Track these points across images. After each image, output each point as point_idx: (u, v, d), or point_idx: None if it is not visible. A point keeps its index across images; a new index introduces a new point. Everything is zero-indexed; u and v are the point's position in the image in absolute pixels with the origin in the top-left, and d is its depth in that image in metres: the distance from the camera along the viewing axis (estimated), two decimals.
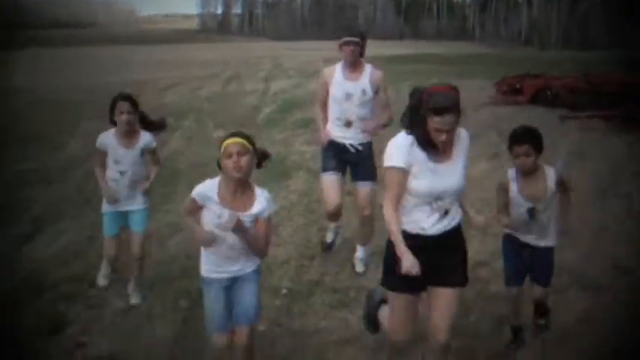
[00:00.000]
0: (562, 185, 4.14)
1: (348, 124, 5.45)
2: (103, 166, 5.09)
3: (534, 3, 64.62)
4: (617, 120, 12.18)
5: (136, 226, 5.16)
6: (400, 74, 18.83)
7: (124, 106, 4.92)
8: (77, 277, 5.60)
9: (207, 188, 3.62)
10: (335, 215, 5.77)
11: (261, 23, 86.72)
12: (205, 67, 27.61)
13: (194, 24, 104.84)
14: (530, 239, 4.20)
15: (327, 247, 6.04)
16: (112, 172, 5.07)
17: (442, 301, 3.57)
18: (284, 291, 5.30)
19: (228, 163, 3.50)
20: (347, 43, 5.30)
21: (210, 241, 3.59)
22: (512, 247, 4.28)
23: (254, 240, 3.65)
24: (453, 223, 3.54)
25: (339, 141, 5.57)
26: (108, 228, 5.21)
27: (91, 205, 7.33)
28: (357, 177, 5.66)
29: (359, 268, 5.75)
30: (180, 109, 15.52)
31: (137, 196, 5.14)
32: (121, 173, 5.06)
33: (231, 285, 3.75)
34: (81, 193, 8.07)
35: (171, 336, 4.62)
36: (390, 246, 3.51)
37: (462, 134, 3.51)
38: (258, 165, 3.68)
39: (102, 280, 5.44)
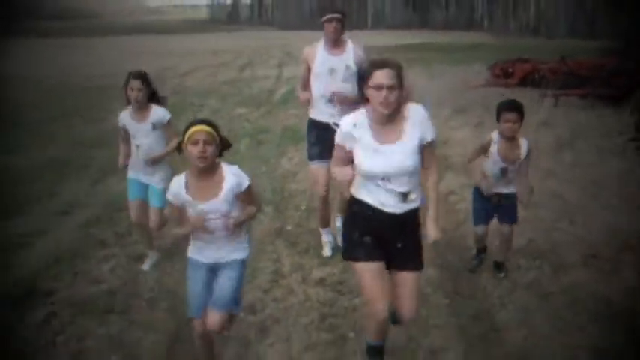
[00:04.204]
0: (527, 160, 4.83)
1: (332, 99, 5.32)
2: (125, 141, 5.38)
3: None
4: (591, 97, 13.89)
5: (153, 202, 5.37)
6: (404, 61, 20.48)
7: (135, 83, 5.11)
8: None
9: (176, 187, 3.56)
10: (324, 200, 5.67)
11: (270, 13, 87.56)
12: (218, 56, 29.22)
13: (202, 14, 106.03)
14: (499, 190, 4.95)
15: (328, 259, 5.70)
16: (132, 146, 5.32)
17: (405, 287, 3.55)
18: (303, 207, 7.03)
19: (193, 151, 3.40)
20: (330, 20, 5.20)
21: (201, 220, 3.54)
22: (481, 194, 5.05)
23: (246, 218, 3.70)
24: (414, 206, 3.50)
25: (323, 120, 5.43)
26: (130, 193, 5.45)
27: None
28: None
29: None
30: (202, 91, 17.24)
31: (155, 173, 5.33)
32: (137, 147, 5.26)
33: (213, 271, 3.71)
34: None
35: None
36: (347, 221, 3.68)
37: (418, 111, 3.43)
38: (220, 154, 3.57)
39: (146, 266, 5.61)
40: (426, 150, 3.44)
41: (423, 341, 4.21)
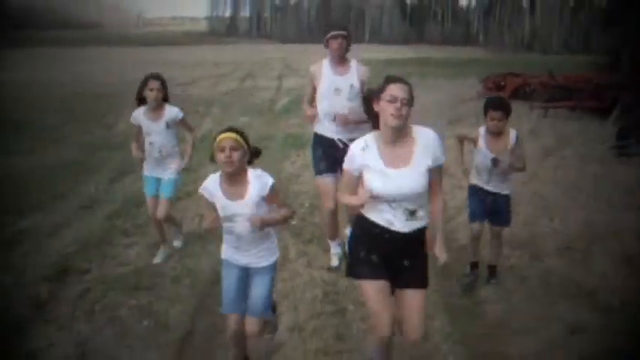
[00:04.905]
0: (518, 147, 5.03)
1: (336, 118, 5.43)
2: (138, 138, 5.71)
3: (537, 10, 66.30)
4: (579, 109, 14.55)
5: (163, 192, 5.77)
6: (401, 75, 21.15)
7: (154, 83, 5.48)
8: None
9: (211, 184, 3.72)
10: (333, 214, 5.77)
11: (268, 26, 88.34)
12: (218, 68, 29.96)
13: (201, 26, 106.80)
14: (491, 187, 5.09)
15: (335, 269, 5.81)
16: (145, 143, 5.66)
17: (409, 304, 3.57)
18: (307, 204, 7.65)
19: (221, 157, 3.55)
20: (335, 37, 5.34)
21: (217, 222, 3.78)
22: (476, 192, 5.19)
23: (276, 219, 3.79)
24: (420, 224, 3.52)
25: (329, 136, 5.54)
26: (147, 190, 5.88)
27: None
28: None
29: None
30: (205, 101, 17.88)
31: (168, 167, 5.74)
32: (151, 144, 5.63)
33: (245, 274, 3.89)
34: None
35: None
36: (353, 238, 3.72)
37: (428, 135, 3.46)
38: (249, 162, 3.75)
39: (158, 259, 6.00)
40: (434, 172, 3.46)
41: None
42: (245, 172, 3.68)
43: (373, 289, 3.52)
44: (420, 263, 3.59)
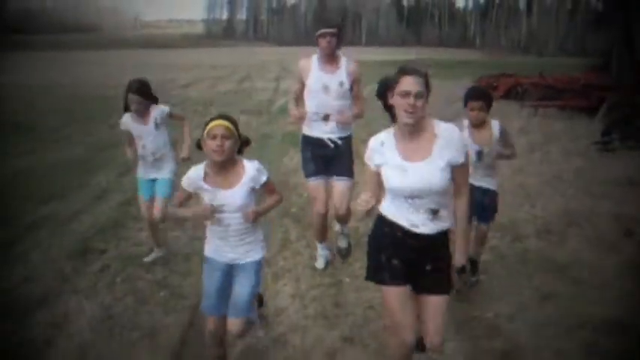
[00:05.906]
0: (505, 138, 4.93)
1: (326, 117, 5.24)
2: (131, 143, 5.67)
3: (534, 13, 66.96)
4: (568, 108, 15.11)
5: (159, 192, 5.68)
6: None
7: (133, 98, 5.37)
8: None
9: (194, 175, 3.61)
10: (323, 217, 5.59)
11: (265, 29, 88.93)
12: (215, 70, 30.59)
13: (198, 29, 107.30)
14: (477, 182, 4.90)
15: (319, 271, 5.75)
16: (138, 147, 5.60)
17: (431, 310, 3.45)
18: (305, 195, 8.15)
19: (211, 145, 3.46)
20: (323, 35, 5.07)
21: (212, 211, 3.60)
22: None
23: (265, 208, 3.83)
24: (444, 226, 3.39)
25: (317, 136, 5.35)
26: (141, 192, 5.82)
27: None
28: (333, 172, 5.46)
29: (342, 243, 6.00)
30: (204, 101, 18.39)
31: (163, 166, 5.69)
32: (143, 147, 5.56)
33: (229, 271, 3.77)
34: None
35: None
36: (373, 241, 3.54)
37: (451, 131, 3.29)
38: (239, 151, 3.67)
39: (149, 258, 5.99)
40: (457, 172, 3.33)
41: None
42: (236, 161, 3.64)
43: (394, 295, 3.40)
44: (443, 267, 3.46)
